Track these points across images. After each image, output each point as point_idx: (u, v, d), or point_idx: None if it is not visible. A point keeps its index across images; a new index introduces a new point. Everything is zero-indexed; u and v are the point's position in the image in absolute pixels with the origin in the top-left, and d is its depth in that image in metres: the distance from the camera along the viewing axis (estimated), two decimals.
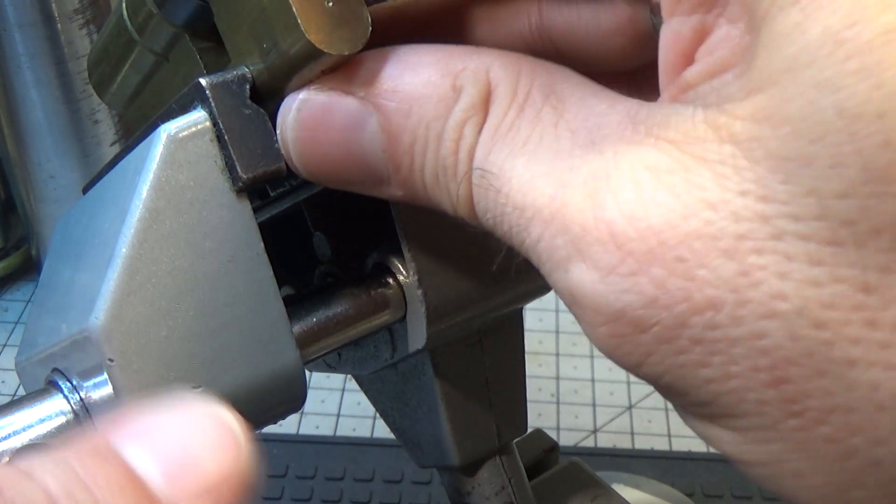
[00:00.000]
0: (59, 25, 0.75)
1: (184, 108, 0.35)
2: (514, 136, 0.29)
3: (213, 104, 0.34)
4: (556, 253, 0.27)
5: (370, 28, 0.32)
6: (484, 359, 0.44)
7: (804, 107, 0.23)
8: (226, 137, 0.34)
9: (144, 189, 0.33)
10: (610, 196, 0.26)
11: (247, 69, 0.35)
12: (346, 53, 0.32)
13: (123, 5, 0.41)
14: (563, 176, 0.27)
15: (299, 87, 0.34)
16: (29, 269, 0.98)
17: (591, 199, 0.26)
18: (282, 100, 0.35)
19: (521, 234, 0.28)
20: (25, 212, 0.90)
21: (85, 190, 0.44)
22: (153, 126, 0.37)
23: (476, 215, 0.30)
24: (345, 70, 0.33)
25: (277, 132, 0.34)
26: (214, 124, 0.34)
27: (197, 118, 0.34)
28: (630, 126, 0.27)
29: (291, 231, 0.45)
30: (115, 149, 0.84)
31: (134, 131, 0.46)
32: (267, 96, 0.35)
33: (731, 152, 0.24)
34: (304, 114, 0.33)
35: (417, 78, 0.31)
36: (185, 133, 0.34)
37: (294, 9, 0.31)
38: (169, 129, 0.34)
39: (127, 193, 0.34)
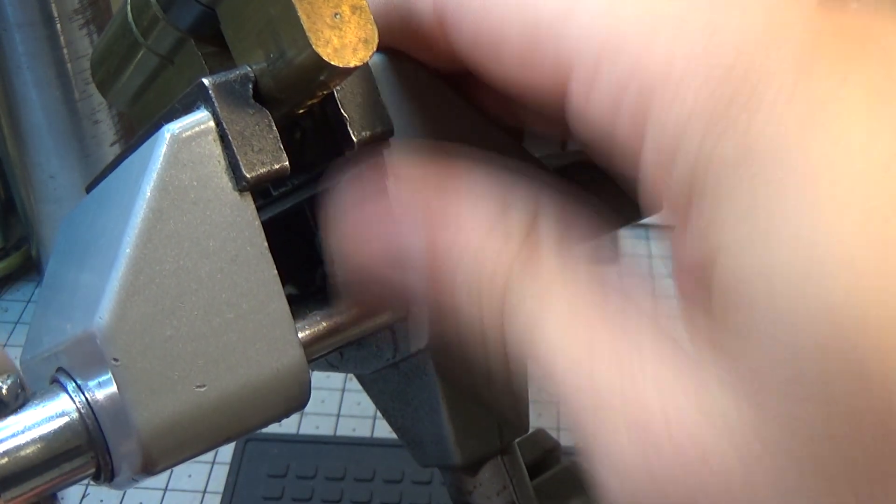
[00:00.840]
0: (58, 26, 0.75)
1: (187, 108, 0.36)
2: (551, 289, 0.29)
3: (216, 104, 0.35)
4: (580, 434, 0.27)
5: (377, 41, 0.33)
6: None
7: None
8: (229, 137, 0.35)
9: (148, 189, 0.34)
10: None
11: (250, 69, 0.35)
12: (353, 66, 0.32)
13: (128, 7, 0.41)
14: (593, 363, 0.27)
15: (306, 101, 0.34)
16: (29, 269, 0.99)
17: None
18: (287, 106, 0.35)
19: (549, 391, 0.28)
20: (25, 212, 0.90)
21: (88, 189, 0.44)
22: (157, 126, 0.37)
23: (507, 360, 0.30)
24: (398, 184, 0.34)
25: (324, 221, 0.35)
26: (217, 124, 0.35)
27: (200, 118, 0.35)
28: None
29: (293, 230, 0.45)
30: (116, 149, 0.85)
31: (137, 131, 0.46)
32: (270, 100, 0.35)
33: None
34: (352, 217, 0.34)
35: (468, 207, 0.32)
36: (189, 133, 0.34)
37: (302, 20, 0.32)
38: (172, 129, 0.34)
39: (130, 193, 0.34)
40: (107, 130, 0.83)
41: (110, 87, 0.47)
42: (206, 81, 0.35)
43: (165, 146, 0.34)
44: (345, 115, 0.37)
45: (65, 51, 0.76)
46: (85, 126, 0.81)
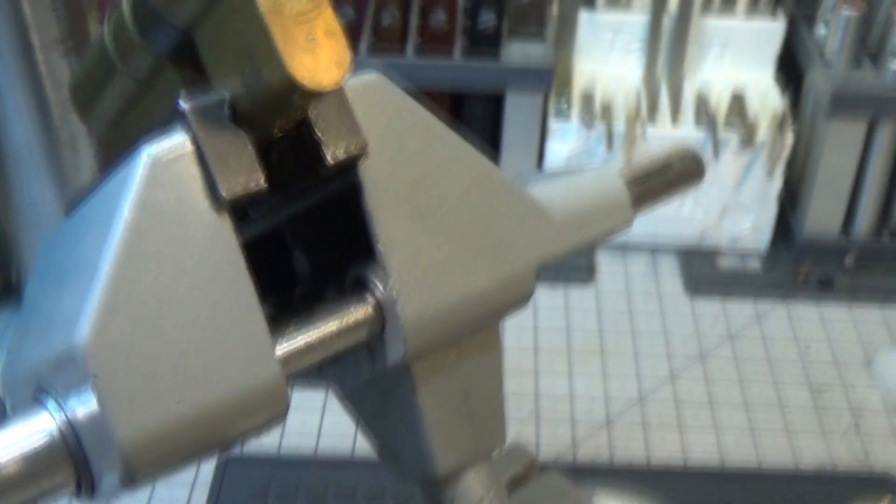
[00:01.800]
0: (39, 55, 0.76)
1: (165, 131, 0.36)
2: None
3: (193, 125, 0.35)
4: None
5: (350, 64, 0.34)
6: (463, 372, 0.45)
7: None
8: (206, 158, 0.35)
9: (127, 208, 0.34)
10: None
11: (226, 91, 0.36)
12: (327, 88, 0.33)
13: (105, 32, 0.42)
14: None
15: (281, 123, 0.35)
16: (9, 292, 0.99)
17: None
18: (263, 127, 0.36)
19: None
20: (6, 238, 0.91)
21: (67, 212, 0.45)
22: (135, 148, 0.38)
23: None
24: None
25: None
26: (195, 145, 0.35)
27: (178, 140, 0.35)
28: None
29: (270, 249, 0.46)
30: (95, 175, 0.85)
31: (116, 154, 0.47)
32: (247, 122, 0.36)
33: None
34: None
35: None
36: (167, 154, 0.35)
37: (276, 44, 0.33)
38: (150, 150, 0.35)
39: (109, 213, 0.35)
40: (86, 158, 0.83)
41: (89, 112, 0.47)
42: (183, 104, 0.35)
43: (143, 167, 0.35)
44: (319, 136, 0.38)
45: (45, 80, 0.77)
46: (65, 154, 0.82)
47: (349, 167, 0.39)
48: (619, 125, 1.04)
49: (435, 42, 1.01)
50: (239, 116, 0.36)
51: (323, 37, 0.34)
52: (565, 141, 1.04)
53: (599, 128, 1.03)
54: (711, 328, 1.07)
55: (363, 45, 1.04)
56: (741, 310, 1.09)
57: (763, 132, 1.04)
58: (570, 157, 1.06)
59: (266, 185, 0.36)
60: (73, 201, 0.44)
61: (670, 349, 1.04)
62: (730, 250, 1.14)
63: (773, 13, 1.13)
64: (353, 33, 0.93)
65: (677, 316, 1.08)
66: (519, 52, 1.03)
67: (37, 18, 0.75)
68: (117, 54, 0.42)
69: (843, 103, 1.03)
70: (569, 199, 0.47)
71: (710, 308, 1.09)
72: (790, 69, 1.16)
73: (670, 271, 1.12)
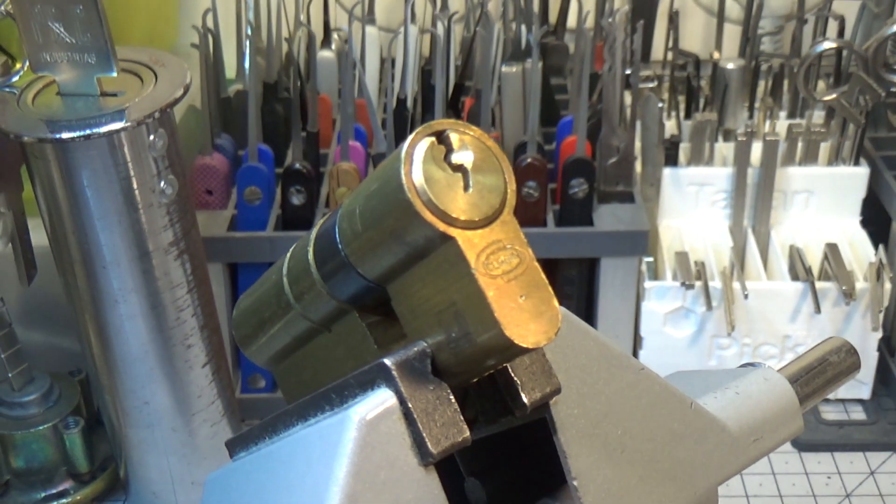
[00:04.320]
0: (153, 260, 0.77)
1: (363, 385, 0.36)
2: None
3: (398, 382, 0.35)
4: None
5: (560, 319, 0.33)
6: None
7: None
8: (413, 415, 0.35)
9: (341, 475, 0.34)
10: None
11: (426, 344, 0.36)
12: (542, 345, 0.33)
13: (284, 271, 0.42)
14: None
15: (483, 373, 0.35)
16: (117, 490, 0.99)
17: None
18: (463, 377, 0.36)
19: None
20: (115, 435, 0.91)
21: (230, 447, 0.45)
22: (325, 397, 0.38)
23: None
24: None
25: None
26: (401, 402, 0.35)
27: (384, 398, 0.35)
28: None
29: (442, 475, 0.46)
30: (207, 370, 0.85)
31: (288, 391, 0.47)
32: (446, 373, 0.36)
33: None
34: None
35: None
36: (375, 414, 0.35)
37: (491, 305, 0.33)
38: (359, 412, 0.35)
39: (320, 477, 0.35)
40: (199, 353, 0.84)
41: (251, 345, 0.47)
42: (387, 361, 0.35)
43: (355, 429, 0.35)
44: (516, 379, 0.38)
45: (159, 283, 0.78)
46: (178, 350, 0.82)
47: (541, 406, 0.39)
48: (714, 282, 1.04)
49: (526, 210, 1.02)
50: (439, 368, 0.36)
51: (532, 293, 0.34)
52: (662, 301, 1.04)
53: (696, 285, 1.03)
54: (826, 486, 1.04)
55: None
56: (852, 464, 1.07)
57: (861, 282, 1.03)
58: (667, 316, 1.05)
59: (470, 437, 0.36)
60: (237, 440, 0.44)
61: None
62: (833, 400, 1.12)
63: (856, 160, 1.13)
64: None
65: (789, 475, 1.06)
66: (610, 215, 1.03)
67: (151, 226, 0.76)
68: (293, 294, 0.42)
69: None
70: (741, 410, 0.46)
71: (823, 465, 1.07)
72: (875, 214, 1.16)
73: None
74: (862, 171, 1.13)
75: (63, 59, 0.73)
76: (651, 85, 1.23)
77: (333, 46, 1.28)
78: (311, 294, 0.41)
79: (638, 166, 1.14)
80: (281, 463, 0.39)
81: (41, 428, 0.96)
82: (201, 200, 1.06)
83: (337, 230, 0.38)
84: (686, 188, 1.13)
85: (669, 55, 1.29)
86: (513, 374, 0.37)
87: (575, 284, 1.07)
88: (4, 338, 0.93)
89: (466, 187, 0.34)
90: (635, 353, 1.09)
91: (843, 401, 1.12)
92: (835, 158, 1.14)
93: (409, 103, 1.12)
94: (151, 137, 0.74)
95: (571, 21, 1.33)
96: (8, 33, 0.81)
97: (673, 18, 1.28)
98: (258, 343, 0.46)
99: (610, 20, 1.12)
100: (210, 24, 1.10)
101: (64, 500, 0.98)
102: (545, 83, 1.21)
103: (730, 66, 1.19)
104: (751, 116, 1.22)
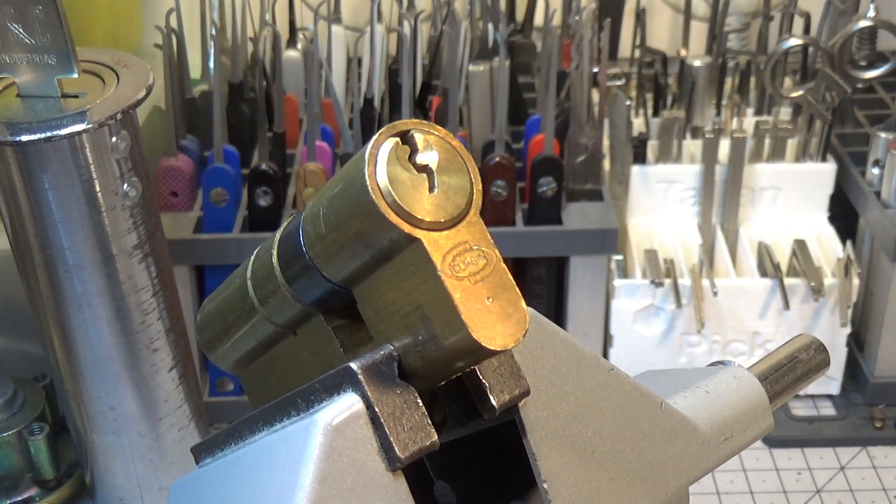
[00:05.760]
0: (117, 263, 0.76)
1: (330, 390, 0.36)
2: None
3: (365, 387, 0.35)
4: None
5: (528, 321, 0.33)
6: None
7: None
8: (380, 419, 0.35)
9: (307, 481, 0.34)
10: None
11: (393, 347, 0.35)
12: (509, 347, 0.33)
13: (248, 274, 0.41)
14: None
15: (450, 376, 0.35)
16: (82, 497, 0.97)
17: None
18: (430, 381, 0.35)
19: None
20: (81, 441, 0.90)
21: (196, 453, 0.44)
22: (291, 402, 0.37)
23: None
24: None
25: None
26: (368, 407, 0.35)
27: (350, 402, 0.35)
28: None
29: (412, 479, 0.45)
30: (174, 374, 0.84)
31: (254, 396, 0.46)
32: (413, 377, 0.35)
33: None
34: None
35: None
36: (341, 419, 0.34)
37: (458, 308, 0.32)
38: (326, 417, 0.34)
39: (286, 484, 0.34)
40: (165, 357, 0.83)
41: (215, 349, 0.47)
42: (354, 366, 0.35)
43: (321, 434, 0.34)
44: (484, 381, 0.37)
45: (124, 286, 0.77)
46: (144, 354, 0.81)
47: (510, 408, 0.38)
48: (683, 279, 1.04)
49: (495, 209, 1.02)
50: (406, 371, 0.36)
51: (500, 294, 0.33)
52: (631, 299, 1.04)
53: (666, 283, 1.03)
54: (796, 482, 1.04)
55: None
56: (822, 460, 1.07)
57: (829, 278, 1.03)
58: (637, 314, 1.05)
59: (438, 441, 0.35)
60: (203, 446, 0.43)
61: None
62: (803, 396, 1.12)
63: (824, 156, 1.13)
64: None
65: (760, 472, 1.06)
66: (579, 213, 1.03)
67: (115, 228, 0.75)
68: (258, 297, 0.41)
69: None
70: (712, 409, 0.46)
71: (793, 461, 1.07)
72: (843, 210, 1.16)
73: None
74: (829, 168, 1.13)
75: (22, 61, 0.72)
76: (619, 83, 1.23)
77: (299, 46, 1.27)
78: (276, 297, 0.40)
79: (606, 164, 1.14)
80: (247, 469, 0.38)
81: (5, 435, 0.95)
82: (166, 202, 1.05)
83: (301, 232, 0.37)
84: (655, 186, 1.13)
85: (637, 53, 1.29)
86: (481, 377, 0.37)
87: (544, 283, 1.07)
88: None
89: (432, 188, 0.34)
90: (605, 352, 1.09)
91: (812, 397, 1.12)
92: (802, 155, 1.15)
93: (377, 103, 1.12)
94: (114, 139, 0.73)
95: (539, 19, 1.33)
96: None
97: (640, 16, 1.28)
98: (223, 347, 0.46)
99: (577, 18, 1.12)
100: (174, 24, 1.09)
101: None
102: (513, 82, 1.21)
103: (697, 63, 1.19)
104: (718, 114, 1.23)
